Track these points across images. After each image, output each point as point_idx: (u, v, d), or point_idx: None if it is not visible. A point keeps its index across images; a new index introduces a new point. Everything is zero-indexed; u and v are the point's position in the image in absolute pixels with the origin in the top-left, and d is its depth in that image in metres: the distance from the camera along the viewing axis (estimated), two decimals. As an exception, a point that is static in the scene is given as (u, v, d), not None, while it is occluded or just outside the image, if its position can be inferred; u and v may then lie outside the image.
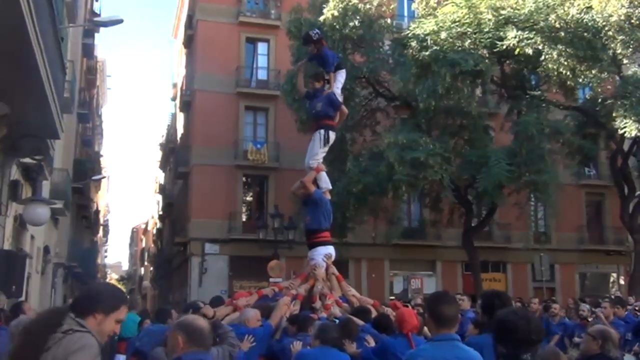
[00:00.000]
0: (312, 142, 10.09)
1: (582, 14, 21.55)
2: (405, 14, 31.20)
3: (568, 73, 21.57)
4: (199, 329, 3.42)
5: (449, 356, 3.87)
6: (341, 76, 10.39)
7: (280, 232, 23.90)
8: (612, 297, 15.57)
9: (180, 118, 39.48)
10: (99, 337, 3.10)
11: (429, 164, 20.57)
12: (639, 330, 10.73)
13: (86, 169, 31.87)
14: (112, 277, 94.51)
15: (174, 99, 46.10)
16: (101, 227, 63.24)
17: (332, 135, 10.09)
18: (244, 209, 31.04)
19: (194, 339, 3.36)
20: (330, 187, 10.23)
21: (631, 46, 22.55)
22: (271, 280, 20.93)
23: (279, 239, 23.72)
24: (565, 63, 21.12)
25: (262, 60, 31.99)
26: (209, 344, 3.54)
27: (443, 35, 21.37)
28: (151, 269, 60.10)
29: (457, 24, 21.71)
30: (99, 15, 31.60)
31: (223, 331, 5.53)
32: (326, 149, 10.10)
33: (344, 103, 21.83)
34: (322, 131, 9.97)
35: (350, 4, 23.16)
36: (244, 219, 30.35)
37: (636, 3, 21.65)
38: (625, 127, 20.89)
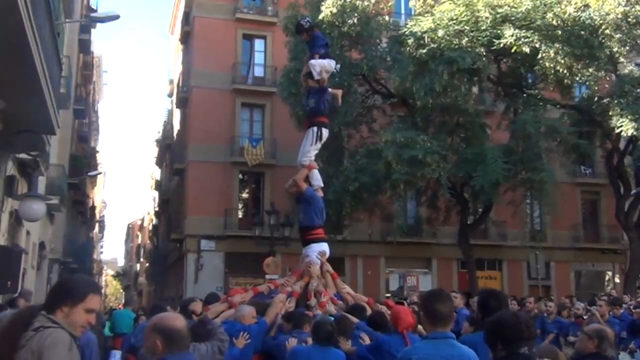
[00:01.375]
0: (305, 139, 10.10)
1: (579, 12, 21.59)
2: (403, 11, 31.20)
3: (565, 71, 21.59)
4: (177, 330, 3.31)
5: (444, 354, 3.87)
6: (329, 64, 10.31)
7: (276, 229, 23.90)
8: (609, 296, 15.60)
9: (177, 114, 39.46)
10: (72, 330, 3.12)
11: (427, 162, 20.59)
12: (634, 328, 10.79)
13: (82, 165, 31.81)
14: (108, 273, 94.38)
15: (170, 95, 46.06)
16: (97, 223, 63.15)
17: (325, 133, 10.10)
18: (240, 206, 31.03)
19: (173, 342, 3.28)
20: (322, 185, 10.23)
21: (628, 45, 22.61)
22: (267, 277, 20.94)
23: (275, 236, 23.72)
24: (562, 61, 21.14)
25: (258, 57, 31.95)
26: (188, 343, 3.48)
27: (440, 33, 21.36)
28: (147, 265, 60.04)
29: (454, 21, 21.71)
30: (95, 10, 31.51)
31: (212, 327, 5.52)
32: (319, 146, 10.10)
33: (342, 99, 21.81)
34: (315, 128, 9.98)
35: (347, 1, 23.15)
36: (240, 216, 30.35)
37: (633, 1, 21.67)
38: (621, 126, 20.93)
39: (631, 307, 12.93)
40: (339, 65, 23.41)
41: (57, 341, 3.01)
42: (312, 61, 10.09)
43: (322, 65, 10.09)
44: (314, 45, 10.28)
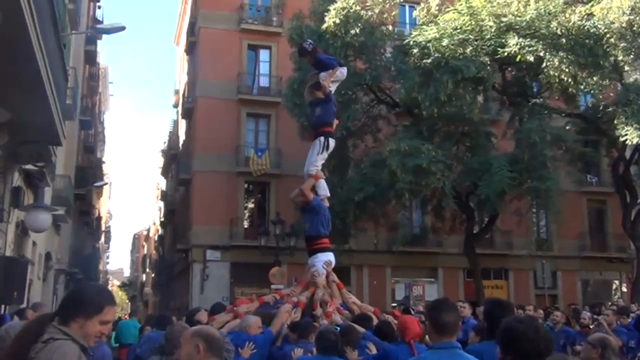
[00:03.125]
0: (312, 149, 10.10)
1: (584, 21, 21.57)
2: (407, 21, 31.24)
3: (569, 80, 21.57)
4: (218, 338, 3.39)
5: (450, 364, 3.85)
6: (340, 73, 10.42)
7: (282, 238, 23.90)
8: (616, 305, 15.50)
9: (182, 125, 39.52)
10: (85, 341, 3.08)
11: (431, 171, 20.56)
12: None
13: (88, 176, 31.89)
14: (114, 284, 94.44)
15: (175, 105, 46.16)
16: (103, 234, 63.29)
17: (332, 143, 10.12)
18: (245, 216, 31.01)
19: (214, 348, 3.33)
20: (329, 195, 10.23)
21: (633, 53, 22.54)
22: (272, 287, 20.92)
23: (280, 246, 23.72)
24: (567, 70, 21.12)
25: (264, 67, 32.04)
26: (224, 356, 3.52)
27: (445, 42, 21.37)
28: (153, 275, 60.04)
29: (458, 30, 21.72)
30: (101, 22, 31.67)
31: None
32: (325, 155, 10.11)
33: (346, 108, 21.89)
34: (322, 138, 9.99)
35: (351, 11, 23.20)
36: (245, 226, 30.32)
37: (638, 10, 21.64)
38: (626, 135, 20.87)
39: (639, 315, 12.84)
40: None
41: (65, 356, 2.95)
42: (323, 74, 10.14)
43: (335, 76, 10.19)
44: (326, 65, 10.27)
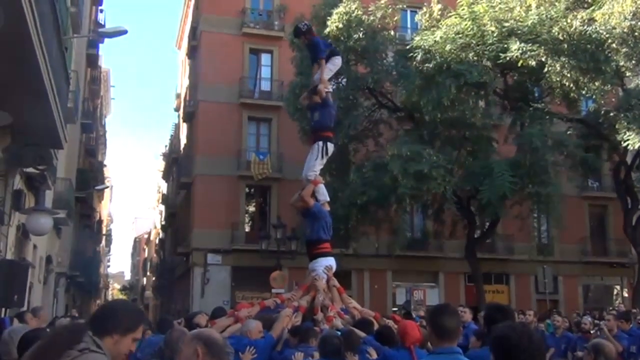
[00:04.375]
0: (310, 154, 10.10)
1: (585, 26, 21.57)
2: (409, 25, 31.28)
3: (571, 85, 21.59)
4: (218, 342, 3.38)
5: (451, 369, 3.84)
6: (332, 64, 10.50)
7: (283, 242, 23.87)
8: (617, 310, 15.50)
9: (184, 128, 39.55)
10: (116, 357, 3.08)
11: (433, 177, 20.56)
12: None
13: (89, 179, 31.90)
14: (115, 287, 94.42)
15: (177, 109, 46.21)
16: (104, 237, 63.29)
17: (331, 147, 10.11)
18: (246, 220, 31.01)
19: (214, 351, 3.33)
20: (329, 199, 10.20)
21: (634, 59, 22.53)
22: (273, 291, 20.90)
23: (281, 250, 23.68)
24: (569, 75, 21.13)
25: (265, 71, 32.04)
26: (225, 357, 3.51)
27: (447, 47, 21.41)
28: (153, 278, 60.03)
29: (460, 35, 21.75)
30: (103, 26, 31.67)
31: None
32: (324, 160, 10.11)
33: (348, 113, 21.88)
34: (321, 143, 9.98)
35: (353, 15, 23.24)
36: (246, 230, 30.30)
37: (639, 16, 21.65)
38: (628, 140, 20.88)
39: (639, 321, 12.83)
40: (344, 79, 23.63)
41: None
42: (315, 77, 10.23)
43: (326, 72, 10.24)
44: (316, 50, 10.40)
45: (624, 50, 21.85)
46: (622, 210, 26.11)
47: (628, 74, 23.82)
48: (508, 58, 21.04)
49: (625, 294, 32.34)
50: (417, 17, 27.00)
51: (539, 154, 21.59)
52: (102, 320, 3.15)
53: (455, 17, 22.49)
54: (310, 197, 9.74)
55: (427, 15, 25.51)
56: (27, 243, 16.54)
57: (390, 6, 25.20)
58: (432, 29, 23.19)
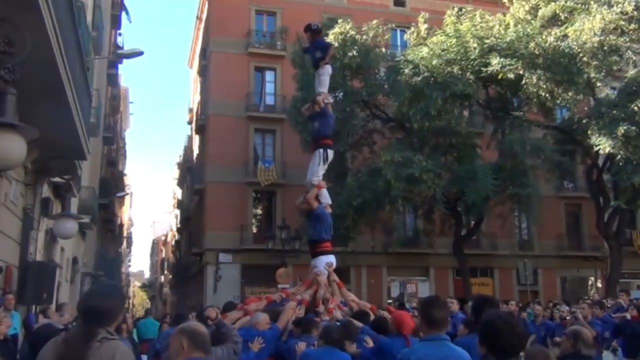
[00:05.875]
0: (312, 161, 10.12)
1: (559, 42, 21.65)
2: (399, 43, 31.33)
3: (547, 95, 21.64)
4: (202, 334, 3.39)
5: (439, 354, 3.86)
6: (326, 74, 10.56)
7: (288, 242, 23.87)
8: (591, 299, 15.51)
9: (196, 140, 39.57)
10: None
11: (423, 180, 20.57)
12: (617, 330, 10.69)
13: (111, 187, 31.88)
14: (135, 285, 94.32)
15: (190, 122, 46.21)
16: (125, 239, 63.16)
17: (331, 154, 10.14)
18: (254, 222, 30.98)
19: (198, 343, 3.33)
20: (330, 202, 10.25)
21: (604, 70, 22.64)
22: (279, 286, 20.86)
23: (286, 249, 23.68)
24: (544, 86, 21.18)
25: (269, 87, 32.07)
26: (209, 348, 3.52)
27: (434, 62, 21.46)
28: (170, 277, 59.93)
29: (445, 51, 21.80)
30: (121, 48, 31.73)
31: (226, 330, 5.45)
32: (326, 166, 10.12)
33: (346, 124, 21.83)
34: (321, 150, 10.00)
35: (348, 35, 23.31)
36: (254, 231, 30.28)
37: (607, 32, 21.71)
38: (599, 144, 20.88)
39: (611, 307, 12.82)
40: (341, 93, 23.60)
41: (126, 353, 3.06)
42: (320, 89, 10.30)
43: (323, 82, 10.39)
44: (315, 47, 10.67)
45: (595, 63, 21.93)
46: (595, 209, 26.09)
47: (598, 84, 23.89)
48: (489, 71, 21.10)
49: (599, 285, 32.29)
50: (406, 36, 27.08)
51: (519, 158, 21.62)
52: (100, 316, 3.18)
53: (441, 35, 22.56)
54: (314, 200, 9.76)
55: (415, 34, 25.59)
56: (55, 246, 16.51)
57: (381, 26, 25.27)
58: (419, 46, 23.24)
